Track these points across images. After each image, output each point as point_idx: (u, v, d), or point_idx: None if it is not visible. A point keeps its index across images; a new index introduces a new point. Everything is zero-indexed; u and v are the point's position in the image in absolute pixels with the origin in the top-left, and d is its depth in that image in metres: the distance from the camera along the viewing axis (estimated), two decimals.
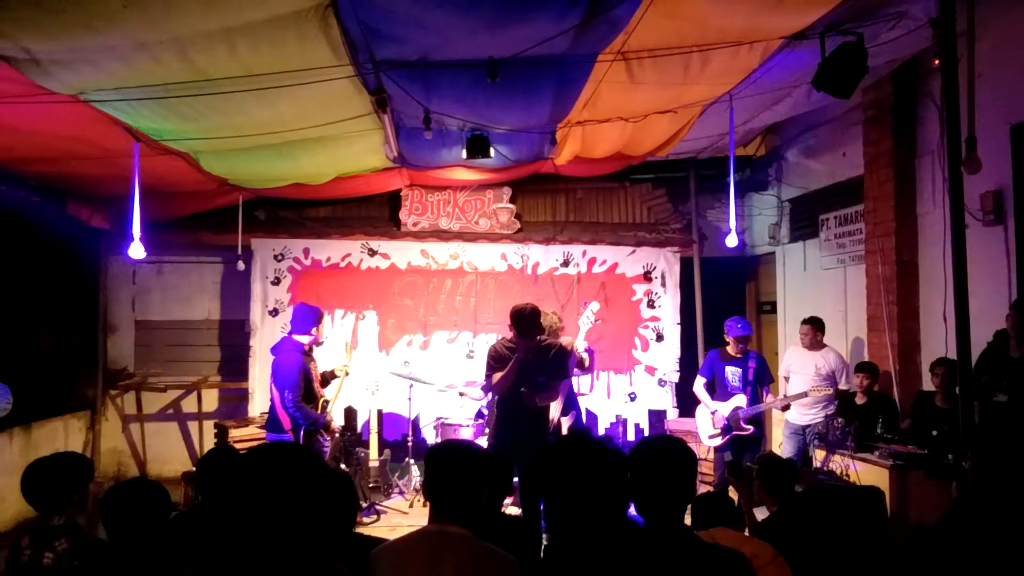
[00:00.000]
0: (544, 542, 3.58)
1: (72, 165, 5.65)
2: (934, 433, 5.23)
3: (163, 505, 2.85)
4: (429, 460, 2.47)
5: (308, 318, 5.88)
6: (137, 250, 5.31)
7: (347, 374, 6.37)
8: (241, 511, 2.23)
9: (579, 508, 2.08)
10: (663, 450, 2.18)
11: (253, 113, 4.72)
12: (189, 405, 8.61)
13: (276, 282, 8.30)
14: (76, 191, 6.75)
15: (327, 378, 6.23)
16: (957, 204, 3.95)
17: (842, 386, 6.47)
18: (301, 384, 5.66)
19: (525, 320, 5.06)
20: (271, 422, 5.88)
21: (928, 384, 5.75)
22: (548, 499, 2.19)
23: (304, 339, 5.85)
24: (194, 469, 4.45)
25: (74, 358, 8.01)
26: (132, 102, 4.16)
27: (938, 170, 5.75)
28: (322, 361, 6.63)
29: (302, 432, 5.71)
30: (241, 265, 7.96)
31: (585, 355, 6.28)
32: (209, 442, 8.29)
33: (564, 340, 6.30)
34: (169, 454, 8.44)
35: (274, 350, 5.96)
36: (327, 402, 6.05)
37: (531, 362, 5.10)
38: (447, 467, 2.40)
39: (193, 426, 8.56)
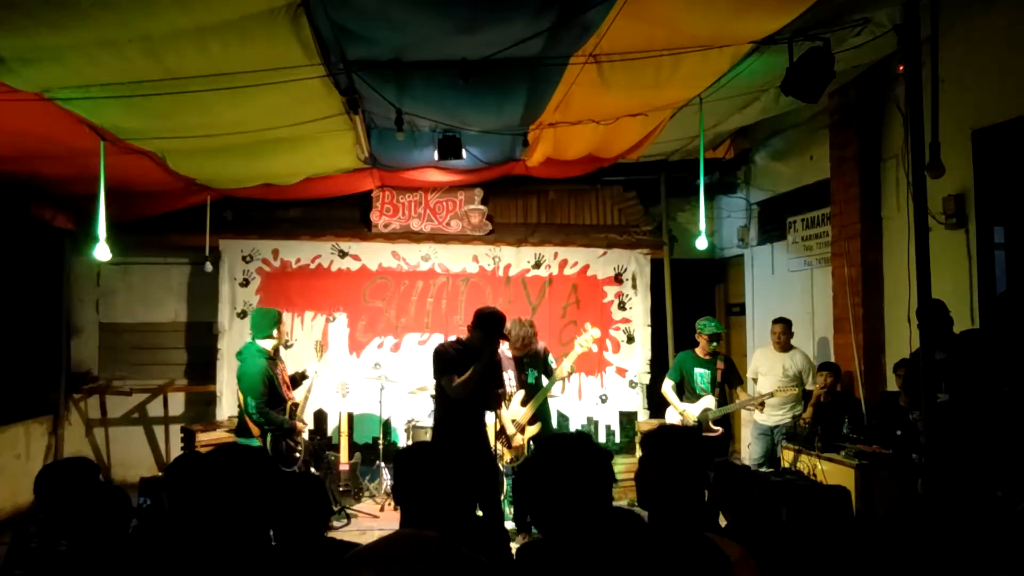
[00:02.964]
0: (512, 542, 3.59)
1: (35, 164, 5.54)
2: (898, 433, 5.33)
3: (124, 510, 2.81)
4: (398, 463, 2.45)
5: (265, 321, 5.82)
6: (103, 251, 5.21)
7: (316, 375, 6.32)
8: (202, 515, 2.21)
9: (565, 506, 2.08)
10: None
11: (222, 112, 4.66)
12: (155, 409, 8.47)
13: (245, 284, 8.20)
14: (39, 191, 6.62)
15: (297, 379, 6.17)
16: (921, 208, 4.04)
17: (809, 386, 6.56)
18: (265, 391, 5.60)
19: (494, 322, 5.04)
20: (240, 427, 5.82)
21: (893, 384, 5.86)
22: (532, 497, 2.18)
23: (267, 343, 5.79)
24: (158, 474, 4.40)
25: (36, 361, 7.84)
26: (98, 100, 4.09)
27: (902, 174, 5.87)
28: (292, 363, 6.56)
29: (268, 437, 5.65)
30: (209, 267, 7.86)
31: (566, 373, 6.11)
32: (176, 446, 8.15)
33: (540, 346, 6.32)
34: (134, 459, 8.28)
35: (239, 356, 5.88)
36: (296, 405, 5.96)
37: (491, 366, 5.09)
38: (416, 470, 2.39)
39: (159, 430, 8.43)
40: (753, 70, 4.84)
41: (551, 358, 6.32)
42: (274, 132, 5.23)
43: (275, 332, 5.82)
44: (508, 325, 5.44)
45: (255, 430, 5.66)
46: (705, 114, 5.60)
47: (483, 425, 5.22)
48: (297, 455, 5.92)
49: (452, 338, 6.06)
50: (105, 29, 3.27)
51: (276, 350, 5.91)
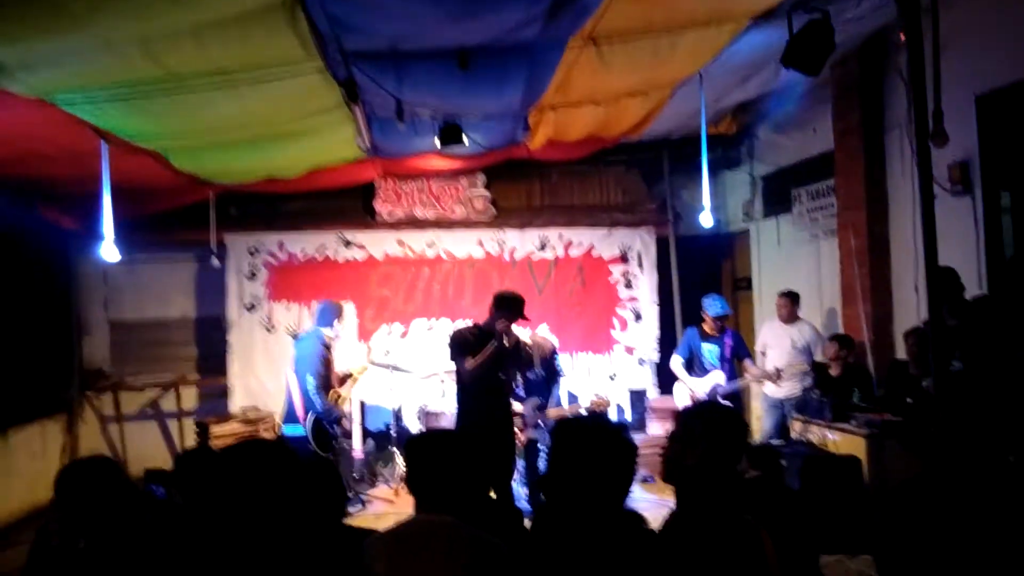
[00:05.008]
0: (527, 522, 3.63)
1: (39, 167, 5.55)
2: (908, 400, 5.34)
3: (139, 507, 2.85)
4: (409, 451, 2.49)
5: (330, 312, 6.29)
6: (110, 252, 5.23)
7: (364, 371, 6.69)
8: (221, 511, 2.26)
9: (587, 488, 2.12)
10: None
11: (223, 110, 4.65)
12: (168, 404, 8.54)
13: (252, 277, 8.24)
14: (45, 192, 6.64)
15: (343, 379, 6.47)
16: (926, 176, 4.00)
17: (817, 358, 6.57)
18: (323, 371, 6.01)
19: (515, 303, 5.08)
20: (289, 414, 6.15)
21: (902, 353, 5.86)
22: (553, 478, 2.22)
23: (329, 332, 6.21)
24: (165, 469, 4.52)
25: (48, 361, 7.90)
26: (99, 103, 4.10)
27: (906, 143, 5.83)
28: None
29: (310, 421, 5.88)
30: (215, 261, 7.89)
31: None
32: (190, 440, 8.24)
33: (547, 347, 6.39)
34: (150, 454, 8.31)
35: (297, 342, 6.31)
36: (339, 396, 6.24)
37: (503, 350, 5.13)
38: (428, 457, 2.42)
39: (173, 424, 8.51)
40: (753, 45, 4.81)
41: (558, 361, 6.38)
42: (275, 127, 5.23)
43: (336, 322, 6.27)
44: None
45: (302, 416, 5.96)
46: (706, 90, 5.57)
47: (504, 406, 5.27)
48: (336, 443, 6.20)
49: (469, 323, 6.10)
50: (103, 32, 3.27)
51: (332, 343, 6.30)
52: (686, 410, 2.35)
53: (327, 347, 6.17)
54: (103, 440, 8.42)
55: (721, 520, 2.12)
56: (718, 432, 2.18)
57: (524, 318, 5.20)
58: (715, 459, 2.15)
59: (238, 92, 4.19)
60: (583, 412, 6.75)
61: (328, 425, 6.06)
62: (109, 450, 8.38)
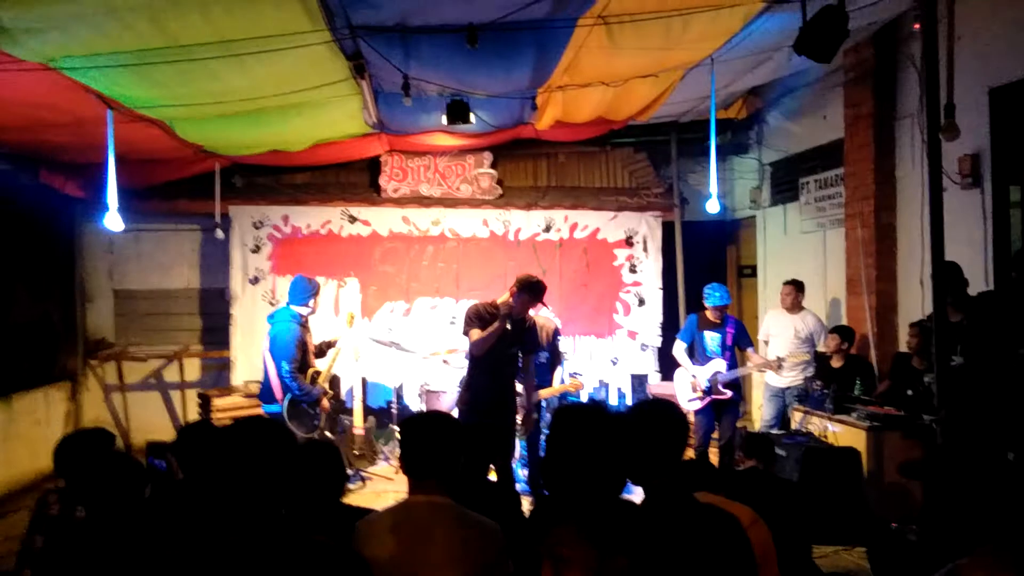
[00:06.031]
0: (526, 505, 3.64)
1: (43, 133, 5.53)
2: (909, 393, 5.33)
3: (138, 478, 2.86)
4: (404, 433, 2.48)
5: (307, 290, 5.91)
6: (114, 221, 5.22)
7: (337, 347, 6.35)
8: (220, 486, 2.26)
9: (584, 473, 2.12)
10: (658, 412, 2.24)
11: (228, 80, 4.62)
12: (171, 374, 8.57)
13: (256, 250, 8.22)
14: (48, 159, 6.62)
15: (323, 349, 6.24)
16: (936, 168, 3.97)
17: (820, 348, 6.56)
18: (299, 355, 5.71)
19: (538, 287, 5.08)
20: (265, 392, 5.88)
21: (906, 345, 5.84)
22: (552, 462, 2.23)
23: (303, 310, 5.88)
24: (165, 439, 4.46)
25: (52, 329, 7.94)
26: (104, 69, 4.07)
27: (917, 133, 5.78)
28: (317, 331, 6.60)
29: (286, 402, 5.69)
30: (220, 233, 7.88)
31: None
32: (192, 411, 8.29)
33: (550, 327, 6.36)
34: (152, 424, 8.39)
35: (271, 319, 5.96)
36: (317, 373, 6.01)
37: (512, 330, 5.11)
38: (422, 438, 2.41)
39: (176, 395, 8.54)
40: (765, 29, 4.75)
41: (559, 342, 6.36)
42: (281, 98, 5.20)
43: (312, 302, 5.92)
44: None
45: (279, 395, 5.73)
46: (717, 74, 5.51)
47: (507, 385, 5.27)
48: (316, 422, 6.01)
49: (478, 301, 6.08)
50: None
51: (307, 319, 6.00)
52: (625, 413, 2.34)
53: (303, 326, 5.86)
54: (106, 409, 8.46)
55: (693, 510, 2.12)
56: (654, 433, 2.17)
57: (543, 304, 5.21)
58: (664, 454, 2.14)
59: (244, 63, 4.16)
60: (581, 394, 6.76)
61: (308, 407, 5.85)
62: (112, 419, 8.42)
